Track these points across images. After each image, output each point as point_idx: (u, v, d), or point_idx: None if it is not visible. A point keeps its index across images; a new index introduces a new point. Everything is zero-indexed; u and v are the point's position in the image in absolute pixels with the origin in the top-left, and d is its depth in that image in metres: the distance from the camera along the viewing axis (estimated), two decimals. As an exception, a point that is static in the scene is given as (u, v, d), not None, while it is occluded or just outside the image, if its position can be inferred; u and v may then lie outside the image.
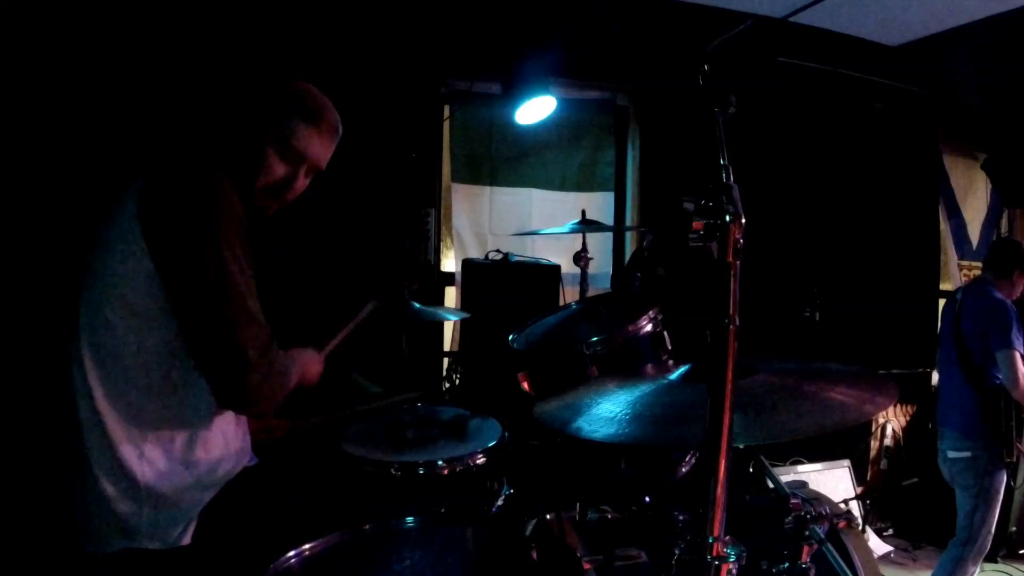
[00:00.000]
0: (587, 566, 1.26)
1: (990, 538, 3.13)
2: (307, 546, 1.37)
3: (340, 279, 3.20)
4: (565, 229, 3.00)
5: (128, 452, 1.37)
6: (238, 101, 1.55)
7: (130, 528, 1.38)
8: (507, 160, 4.03)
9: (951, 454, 3.22)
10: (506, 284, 3.36)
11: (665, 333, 1.89)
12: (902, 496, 4.39)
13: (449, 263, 3.96)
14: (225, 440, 1.52)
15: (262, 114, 1.52)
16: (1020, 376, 3.00)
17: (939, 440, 3.33)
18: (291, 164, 1.54)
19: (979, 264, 5.22)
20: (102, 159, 2.65)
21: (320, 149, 1.57)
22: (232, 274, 1.36)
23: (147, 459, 1.39)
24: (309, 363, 1.68)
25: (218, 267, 1.34)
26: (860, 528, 3.80)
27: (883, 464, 4.50)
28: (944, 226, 5.15)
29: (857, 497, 3.99)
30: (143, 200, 1.38)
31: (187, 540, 1.43)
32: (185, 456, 1.43)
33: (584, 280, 2.97)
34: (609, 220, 4.24)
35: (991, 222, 5.41)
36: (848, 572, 1.31)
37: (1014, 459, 3.15)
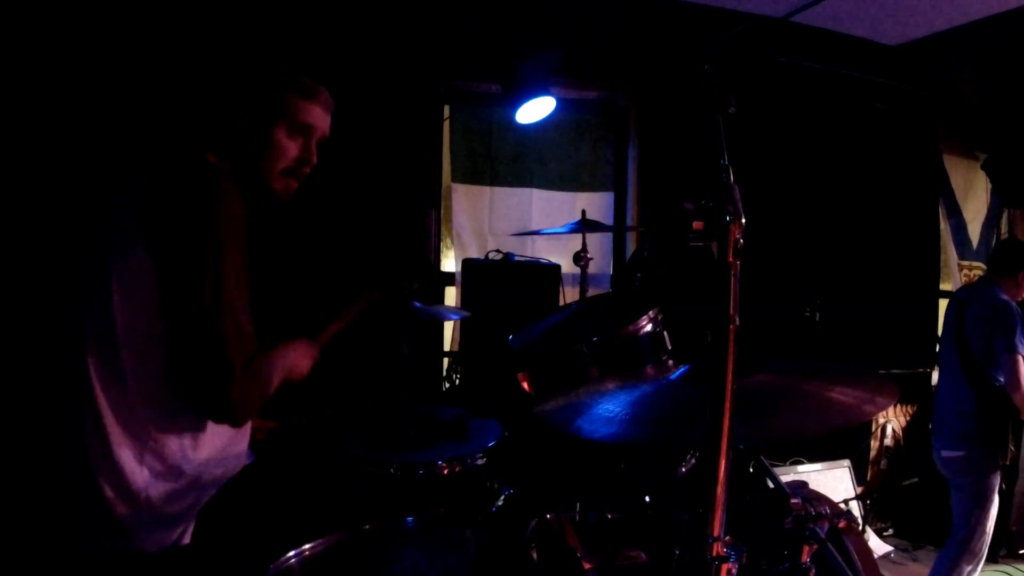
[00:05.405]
0: (587, 566, 1.26)
1: (986, 538, 3.13)
2: (307, 546, 1.37)
3: (340, 278, 3.21)
4: (565, 229, 3.00)
5: (126, 455, 1.37)
6: (238, 96, 1.56)
7: (128, 530, 1.37)
8: (507, 160, 4.03)
9: (945, 453, 3.23)
10: (506, 284, 3.36)
11: (665, 333, 1.89)
12: (902, 496, 4.39)
13: (449, 263, 3.96)
14: (223, 442, 1.52)
15: (263, 102, 1.54)
16: (1022, 381, 3.00)
17: (933, 436, 3.34)
18: (302, 140, 1.58)
19: (979, 264, 5.23)
20: (101, 157, 2.66)
21: (324, 118, 1.62)
22: (228, 284, 1.35)
23: (145, 462, 1.38)
24: (297, 358, 1.65)
25: (215, 274, 1.34)
26: (860, 528, 3.80)
27: (883, 464, 4.50)
28: (944, 226, 5.15)
29: (857, 497, 3.99)
30: (143, 202, 1.38)
31: (186, 540, 1.43)
32: (183, 458, 1.43)
33: (584, 280, 2.97)
34: (609, 220, 4.24)
35: (991, 222, 5.41)
36: (848, 572, 1.31)
37: (1007, 462, 3.15)
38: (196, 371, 1.36)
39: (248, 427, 1.65)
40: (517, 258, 3.49)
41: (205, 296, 1.33)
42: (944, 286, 5.17)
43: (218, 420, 1.46)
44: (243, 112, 1.54)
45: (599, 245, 4.14)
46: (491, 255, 3.55)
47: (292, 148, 1.57)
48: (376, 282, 2.09)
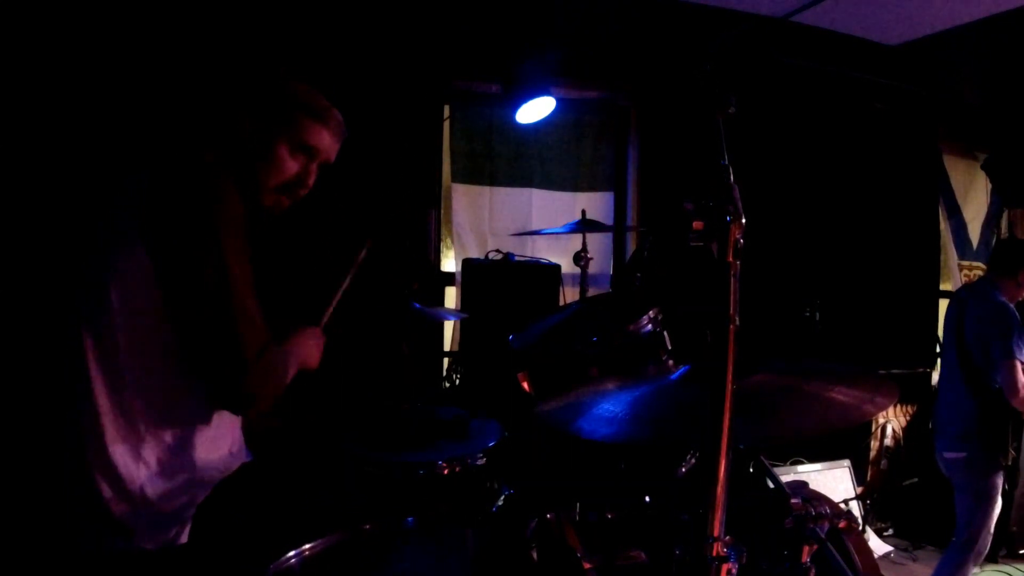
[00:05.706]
0: (587, 566, 1.26)
1: (989, 538, 3.13)
2: (307, 546, 1.37)
3: (340, 279, 3.20)
4: (565, 229, 3.00)
5: (123, 453, 1.37)
6: (242, 101, 1.55)
7: (126, 528, 1.37)
8: (507, 160, 4.03)
9: (947, 454, 3.23)
10: (506, 284, 3.36)
11: (665, 333, 1.89)
12: (902, 496, 4.39)
13: (449, 263, 3.96)
14: (222, 440, 1.52)
15: (270, 114, 1.52)
16: (1020, 386, 2.99)
17: (935, 437, 3.34)
18: (303, 160, 1.56)
19: (979, 264, 5.23)
20: (101, 156, 2.65)
21: (331, 144, 1.59)
22: (233, 276, 1.36)
23: (143, 460, 1.38)
24: (308, 348, 1.65)
25: (218, 268, 1.34)
26: (860, 528, 3.80)
27: (883, 464, 4.50)
28: (944, 226, 5.15)
29: (857, 497, 3.99)
30: (142, 199, 1.38)
31: (183, 539, 1.43)
32: (182, 457, 1.43)
33: (584, 280, 2.97)
34: (609, 220, 4.24)
35: (991, 222, 5.41)
36: (848, 572, 1.31)
37: (1008, 462, 3.15)
38: (210, 364, 1.36)
39: (238, 424, 1.65)
40: (517, 258, 3.49)
41: (209, 292, 1.34)
42: (944, 286, 5.17)
43: (235, 411, 1.47)
44: (246, 116, 1.53)
45: (599, 245, 4.14)
46: (491, 255, 3.55)
47: (292, 166, 1.54)
48: (363, 249, 2.08)
